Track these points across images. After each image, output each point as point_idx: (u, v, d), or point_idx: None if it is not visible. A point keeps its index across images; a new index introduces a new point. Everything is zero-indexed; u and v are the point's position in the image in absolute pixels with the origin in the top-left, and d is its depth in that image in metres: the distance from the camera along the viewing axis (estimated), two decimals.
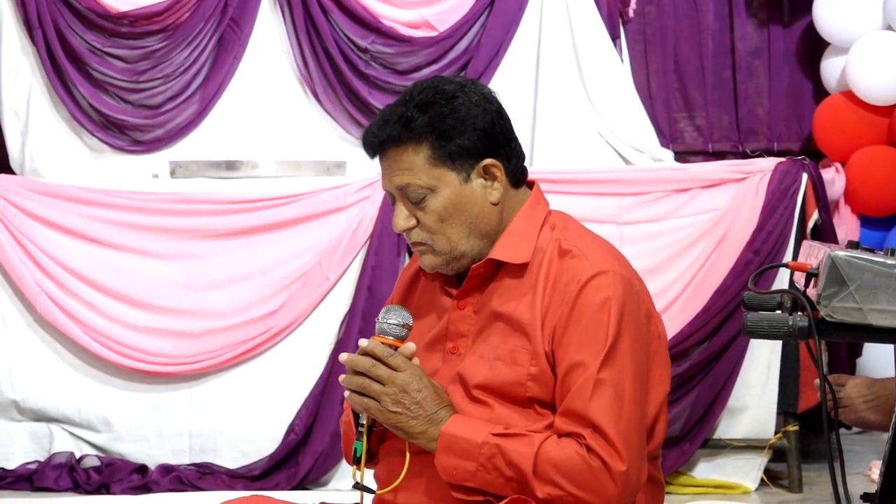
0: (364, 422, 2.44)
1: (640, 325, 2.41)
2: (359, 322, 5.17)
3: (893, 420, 2.45)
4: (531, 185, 2.55)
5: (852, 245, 2.16)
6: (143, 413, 5.30)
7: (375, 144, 2.48)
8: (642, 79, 6.70)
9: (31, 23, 5.78)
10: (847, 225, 6.30)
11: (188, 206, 5.35)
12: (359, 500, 2.65)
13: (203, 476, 5.21)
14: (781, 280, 4.94)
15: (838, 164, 6.31)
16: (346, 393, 2.42)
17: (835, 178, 6.14)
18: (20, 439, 5.34)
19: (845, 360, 5.49)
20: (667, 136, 6.75)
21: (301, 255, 5.30)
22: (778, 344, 5.19)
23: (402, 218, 2.47)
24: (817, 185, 5.30)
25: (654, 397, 2.44)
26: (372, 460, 2.58)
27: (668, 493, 4.69)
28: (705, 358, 5.22)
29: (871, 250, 2.14)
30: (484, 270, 2.48)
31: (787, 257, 5.21)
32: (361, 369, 2.40)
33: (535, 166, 5.35)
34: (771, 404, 5.24)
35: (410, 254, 5.12)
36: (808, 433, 5.48)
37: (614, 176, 5.40)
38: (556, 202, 2.58)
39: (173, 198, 5.38)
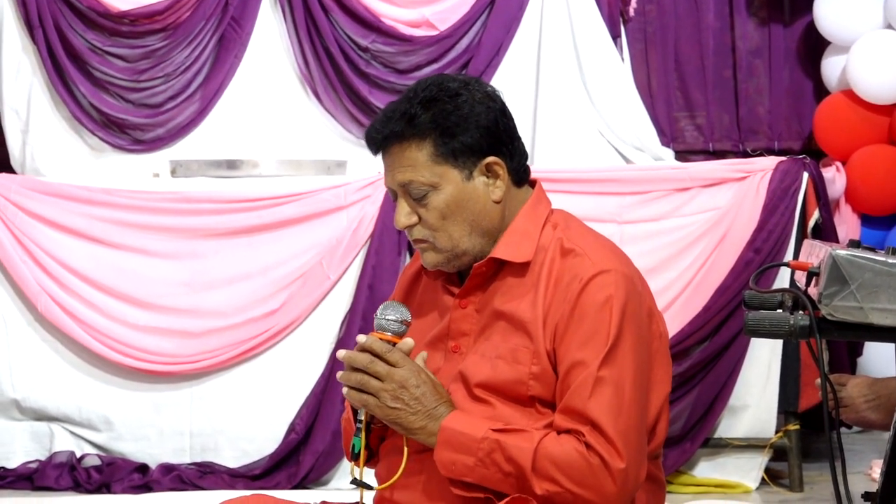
0: (362, 418, 2.44)
1: (642, 325, 2.41)
2: (359, 321, 5.17)
3: (894, 419, 2.45)
4: (533, 183, 2.55)
5: (853, 244, 2.16)
6: (144, 412, 5.30)
7: (378, 141, 2.47)
8: (643, 78, 6.71)
9: (32, 22, 5.78)
10: (848, 224, 6.30)
11: (189, 205, 5.35)
12: (359, 499, 2.66)
13: (204, 475, 5.21)
14: (782, 279, 4.94)
15: (839, 163, 6.31)
16: (345, 390, 2.42)
17: (835, 177, 6.14)
18: (21, 438, 5.34)
19: (846, 359, 5.49)
20: (667, 136, 6.75)
21: (302, 254, 5.31)
22: (779, 343, 5.19)
23: (404, 215, 2.47)
24: (818, 184, 5.30)
25: (655, 397, 2.44)
26: (373, 459, 2.58)
27: (668, 492, 4.69)
28: (706, 357, 5.22)
29: (872, 249, 2.14)
30: (486, 269, 2.48)
31: (788, 256, 5.21)
32: (360, 366, 2.40)
33: (535, 165, 5.34)
34: (772, 403, 5.24)
35: (411, 253, 5.12)
36: (809, 432, 5.48)
37: (615, 175, 5.40)
38: (556, 201, 2.58)
39: (174, 197, 5.38)
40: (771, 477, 5.28)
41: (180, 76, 5.86)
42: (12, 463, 5.31)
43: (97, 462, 5.27)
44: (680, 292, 5.25)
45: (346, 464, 4.87)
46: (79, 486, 5.20)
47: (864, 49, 6.19)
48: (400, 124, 2.44)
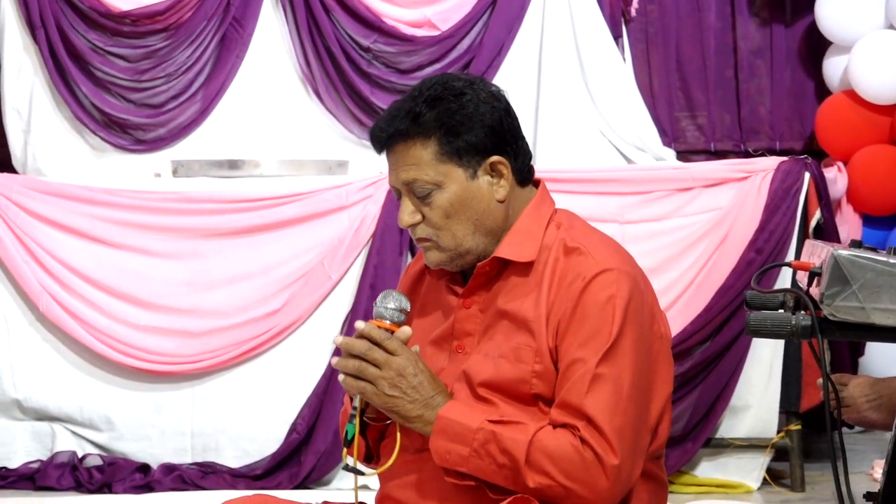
0: (357, 405, 2.43)
1: (644, 324, 2.41)
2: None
3: None
4: (537, 183, 2.55)
5: (855, 244, 2.16)
6: (146, 412, 5.31)
7: (383, 139, 2.47)
8: (644, 78, 6.71)
9: (34, 22, 5.78)
10: (849, 224, 6.30)
11: (190, 205, 5.35)
12: (362, 500, 2.66)
13: (205, 475, 5.21)
14: (784, 279, 4.94)
15: (840, 164, 6.31)
16: (341, 377, 2.42)
17: (837, 178, 6.14)
18: (22, 438, 5.34)
19: (848, 359, 5.49)
20: (669, 136, 6.75)
21: (303, 254, 5.31)
22: (780, 343, 5.19)
23: (408, 213, 2.47)
24: (819, 185, 5.30)
25: (656, 397, 2.44)
26: (373, 461, 2.58)
27: (670, 492, 4.68)
28: (708, 357, 5.22)
29: (874, 249, 2.14)
30: (489, 269, 2.48)
31: (790, 256, 5.21)
32: (357, 352, 2.40)
33: (537, 165, 5.27)
34: (773, 403, 5.24)
35: (413, 253, 5.12)
36: (811, 432, 5.48)
37: (616, 175, 5.40)
38: (558, 201, 2.58)
39: (175, 197, 5.38)
40: (773, 477, 5.29)
41: (182, 76, 5.86)
42: (14, 463, 5.31)
43: (99, 462, 5.27)
44: (682, 292, 5.25)
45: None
46: (80, 486, 5.20)
47: (865, 49, 6.19)
48: (405, 123, 2.44)
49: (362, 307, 5.19)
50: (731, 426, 5.26)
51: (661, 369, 2.45)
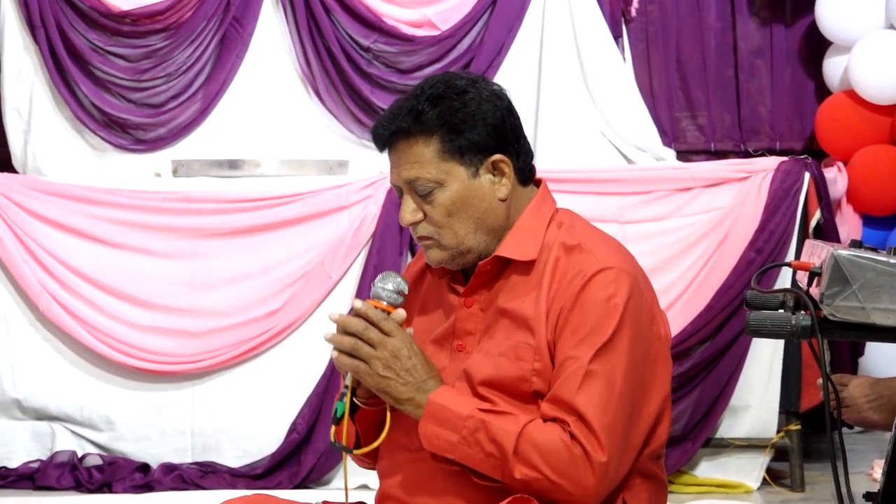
0: (348, 383, 2.44)
1: (642, 324, 2.41)
2: None
3: None
4: (538, 183, 2.56)
5: (855, 244, 2.16)
6: (146, 412, 5.31)
7: (385, 137, 2.47)
8: (644, 78, 6.71)
9: (34, 22, 5.78)
10: (849, 224, 6.30)
11: (190, 204, 5.36)
12: (362, 500, 2.66)
13: (205, 475, 5.21)
14: (784, 279, 4.94)
15: (840, 164, 6.31)
16: (334, 353, 2.42)
17: (837, 178, 6.14)
18: (22, 438, 5.34)
19: (848, 359, 5.49)
20: (669, 136, 6.76)
21: (303, 253, 5.31)
22: (780, 343, 5.19)
23: (409, 211, 2.47)
24: (819, 185, 5.30)
25: (653, 397, 2.44)
26: (359, 447, 2.56)
27: (670, 492, 4.67)
28: (707, 357, 5.22)
29: (874, 249, 2.14)
30: (491, 268, 2.48)
31: (790, 256, 5.21)
32: (353, 331, 2.40)
33: (537, 165, 5.33)
34: (773, 403, 5.25)
35: (413, 252, 5.12)
36: (811, 432, 5.48)
37: (616, 175, 5.40)
38: (558, 201, 2.58)
39: (176, 197, 5.38)
40: (772, 477, 5.29)
41: (182, 76, 5.86)
42: (14, 462, 5.31)
43: (98, 462, 5.27)
44: (682, 292, 5.25)
45: (347, 463, 4.87)
46: (80, 486, 5.20)
47: (865, 49, 6.19)
48: (407, 120, 2.44)
49: None
50: (731, 426, 5.26)
51: (659, 369, 2.45)
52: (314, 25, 5.88)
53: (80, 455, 5.28)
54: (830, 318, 2.12)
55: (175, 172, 5.71)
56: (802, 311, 2.21)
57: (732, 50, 6.88)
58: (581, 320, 2.37)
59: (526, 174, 2.51)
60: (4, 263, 5.32)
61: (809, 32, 6.78)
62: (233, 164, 5.69)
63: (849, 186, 6.28)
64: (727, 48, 6.87)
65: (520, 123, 2.51)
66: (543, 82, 5.89)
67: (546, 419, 2.35)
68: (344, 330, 2.41)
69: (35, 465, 5.28)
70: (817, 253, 2.29)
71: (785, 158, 5.38)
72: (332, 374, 5.18)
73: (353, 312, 2.42)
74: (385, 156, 2.52)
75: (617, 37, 6.05)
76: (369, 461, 2.62)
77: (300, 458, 5.24)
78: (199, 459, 5.28)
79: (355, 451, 2.49)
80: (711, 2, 6.83)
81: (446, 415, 2.37)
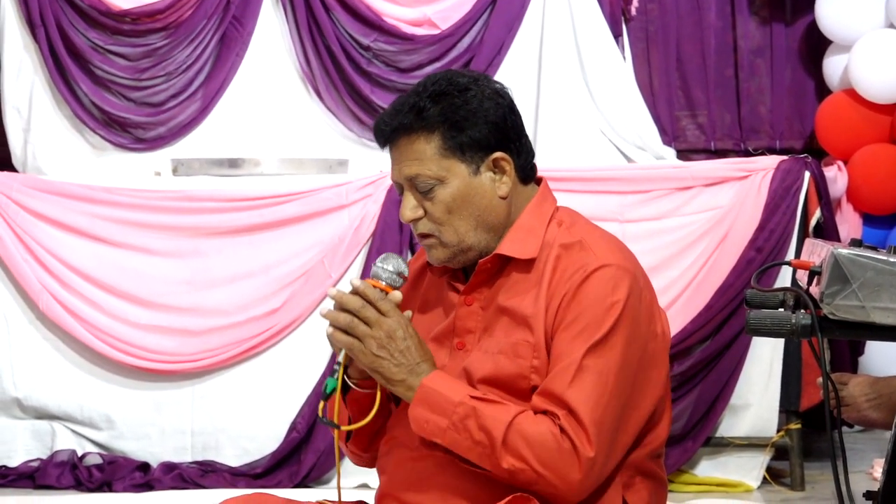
0: (341, 360, 2.44)
1: (639, 322, 2.41)
2: None
3: None
4: (539, 181, 2.56)
5: (855, 243, 2.16)
6: (146, 411, 5.31)
7: (387, 133, 2.48)
8: (644, 77, 6.71)
9: (34, 20, 5.78)
10: (849, 223, 6.31)
11: (190, 203, 5.36)
12: (362, 499, 2.66)
13: (205, 474, 5.21)
14: (784, 278, 4.94)
15: (840, 163, 6.31)
16: (329, 329, 2.42)
17: (837, 177, 6.14)
18: (22, 437, 5.34)
19: (848, 358, 5.49)
20: (669, 134, 6.76)
21: (303, 252, 5.31)
22: (780, 342, 5.19)
23: (410, 208, 2.47)
24: (819, 184, 5.30)
25: (648, 395, 2.43)
26: (350, 439, 2.56)
27: (670, 491, 4.67)
28: (708, 356, 5.22)
29: (874, 248, 2.15)
30: (491, 266, 2.48)
31: (790, 255, 5.21)
32: (350, 308, 2.40)
33: (537, 164, 5.35)
34: (773, 402, 5.25)
35: (413, 251, 5.12)
36: (811, 431, 5.48)
37: (616, 174, 5.40)
38: (558, 200, 2.59)
39: (176, 195, 5.38)
40: (772, 476, 5.29)
41: (182, 75, 5.86)
42: (14, 461, 5.31)
43: (98, 461, 5.27)
44: (681, 291, 5.25)
45: (347, 462, 4.87)
46: (80, 485, 5.20)
47: (865, 48, 6.19)
48: (409, 117, 2.44)
49: None
50: (731, 425, 5.26)
51: (655, 369, 2.45)
52: (314, 24, 5.88)
53: (80, 454, 5.29)
54: (830, 316, 2.12)
55: (175, 171, 5.71)
56: (802, 310, 2.21)
57: (732, 49, 6.88)
58: (578, 315, 2.37)
59: (527, 172, 2.51)
60: (4, 262, 5.32)
61: (809, 31, 6.78)
62: (233, 163, 5.69)
63: (849, 185, 6.28)
64: (727, 47, 6.87)
65: (521, 122, 2.51)
66: (543, 81, 5.89)
67: (537, 411, 2.35)
68: (341, 307, 2.41)
69: (35, 464, 5.28)
70: (817, 252, 2.29)
71: (785, 157, 5.38)
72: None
73: (352, 290, 2.42)
74: (385, 155, 2.52)
75: (617, 36, 6.05)
76: (366, 457, 2.62)
77: (300, 457, 5.24)
78: (199, 458, 5.28)
79: (342, 428, 2.48)
80: (711, 1, 6.83)
81: (437, 399, 2.37)
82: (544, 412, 2.34)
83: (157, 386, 5.32)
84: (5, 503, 5.07)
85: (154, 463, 5.27)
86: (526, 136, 2.52)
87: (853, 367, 5.58)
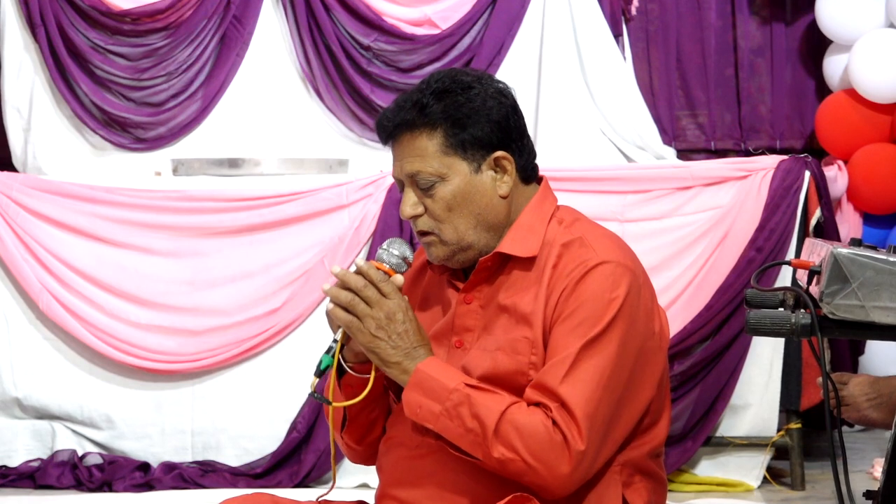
0: (338, 338, 2.45)
1: (637, 319, 2.41)
2: None
3: None
4: (540, 180, 2.56)
5: (855, 242, 2.16)
6: (146, 411, 5.31)
7: (389, 129, 2.48)
8: (645, 76, 6.71)
9: (34, 20, 5.78)
10: (849, 223, 6.31)
11: (191, 203, 5.36)
12: (362, 499, 2.66)
13: (205, 474, 5.21)
14: (784, 278, 4.95)
15: (841, 162, 6.31)
16: (330, 306, 2.43)
17: (837, 176, 6.14)
18: (22, 437, 5.34)
19: (848, 357, 5.49)
20: (669, 134, 6.76)
21: (304, 252, 5.31)
22: (780, 342, 5.19)
23: (410, 205, 2.48)
24: (820, 183, 5.30)
25: (644, 393, 2.43)
26: (344, 429, 2.56)
27: (670, 490, 4.69)
28: (708, 356, 5.22)
29: (874, 248, 2.15)
30: (491, 264, 2.48)
31: (790, 255, 5.21)
32: (352, 286, 2.41)
33: (537, 164, 5.35)
34: (773, 402, 5.24)
35: (413, 251, 5.12)
36: (811, 431, 5.48)
37: (617, 174, 5.40)
38: (558, 200, 2.59)
39: (176, 195, 5.38)
40: (773, 476, 5.28)
41: (182, 75, 5.86)
42: (14, 461, 5.31)
43: (99, 460, 5.27)
44: (682, 291, 5.25)
45: (347, 463, 4.87)
46: (80, 485, 5.20)
47: (865, 48, 6.19)
48: (411, 113, 2.45)
49: None
50: (731, 425, 5.26)
51: (651, 366, 2.45)
52: (314, 24, 5.88)
53: (80, 454, 5.29)
54: (830, 316, 2.12)
55: (175, 171, 5.71)
56: (802, 310, 2.21)
57: (733, 49, 6.88)
58: (576, 309, 2.38)
59: (528, 172, 2.52)
60: (4, 262, 5.32)
61: (809, 31, 6.78)
62: (233, 163, 5.69)
63: (849, 185, 6.28)
64: (727, 47, 6.88)
65: (524, 122, 2.52)
66: (543, 81, 5.89)
67: (530, 403, 2.36)
68: (344, 285, 2.42)
69: (35, 463, 5.28)
70: (817, 251, 2.29)
71: (785, 157, 5.38)
72: None
73: (355, 270, 2.43)
74: (385, 155, 2.53)
75: (617, 35, 6.05)
76: (360, 451, 2.62)
77: (300, 457, 5.24)
78: (200, 458, 5.29)
79: (334, 404, 2.48)
80: (711, 1, 6.83)
81: (432, 385, 2.37)
82: (537, 404, 2.34)
83: (158, 386, 5.32)
84: (5, 503, 5.07)
85: (154, 463, 5.27)
86: (528, 137, 2.52)
87: (853, 367, 5.58)
